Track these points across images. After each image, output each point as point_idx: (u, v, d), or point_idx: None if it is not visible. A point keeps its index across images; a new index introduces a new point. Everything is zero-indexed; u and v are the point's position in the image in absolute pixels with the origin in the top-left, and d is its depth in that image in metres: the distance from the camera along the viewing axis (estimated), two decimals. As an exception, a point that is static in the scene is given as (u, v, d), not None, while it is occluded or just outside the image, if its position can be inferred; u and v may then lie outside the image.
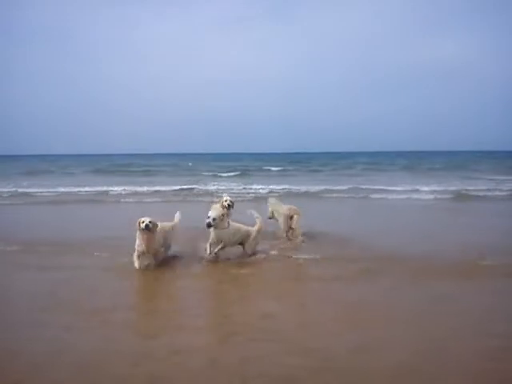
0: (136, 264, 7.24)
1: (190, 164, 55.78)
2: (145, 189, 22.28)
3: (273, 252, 8.50)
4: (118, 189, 21.99)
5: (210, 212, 7.55)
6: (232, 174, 36.95)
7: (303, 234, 9.85)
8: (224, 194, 11.22)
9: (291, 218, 10.09)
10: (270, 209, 10.67)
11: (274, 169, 44.73)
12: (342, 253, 8.38)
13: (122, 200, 18.54)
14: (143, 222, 7.09)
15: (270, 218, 10.51)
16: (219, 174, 35.91)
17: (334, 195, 19.78)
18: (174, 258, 8.09)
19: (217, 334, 5.08)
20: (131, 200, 18.37)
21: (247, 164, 54.87)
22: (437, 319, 5.30)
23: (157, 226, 7.28)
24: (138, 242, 7.25)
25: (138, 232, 7.25)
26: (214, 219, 7.44)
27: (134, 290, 6.78)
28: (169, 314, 5.66)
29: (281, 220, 10.25)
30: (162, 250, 7.82)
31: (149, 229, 7.05)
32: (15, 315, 5.49)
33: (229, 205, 10.07)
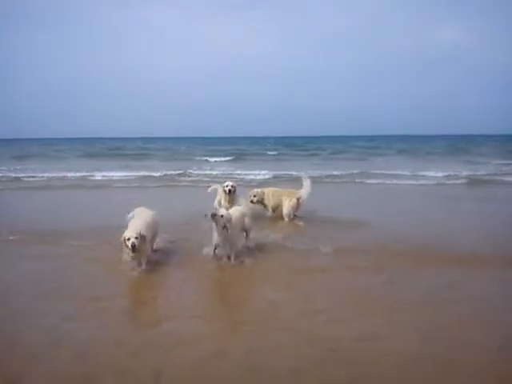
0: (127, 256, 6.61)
1: (183, 148, 55.57)
2: (140, 173, 22.14)
3: (279, 240, 8.46)
4: (110, 174, 21.97)
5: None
6: (227, 158, 36.77)
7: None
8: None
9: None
10: (255, 192, 10.79)
11: (270, 153, 44.64)
12: (346, 241, 8.35)
13: (116, 185, 18.33)
14: (129, 240, 6.30)
15: (253, 202, 10.57)
16: (212, 159, 35.50)
17: (336, 180, 19.82)
18: (172, 247, 7.94)
19: (221, 323, 5.07)
20: (124, 185, 18.17)
21: (243, 148, 54.68)
22: (443, 308, 5.35)
23: (145, 237, 6.54)
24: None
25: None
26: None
27: (133, 279, 6.52)
28: (169, 303, 5.66)
29: (281, 204, 10.65)
30: (152, 245, 7.29)
31: (135, 250, 6.33)
32: (13, 304, 5.44)
33: (230, 190, 10.18)
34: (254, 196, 10.76)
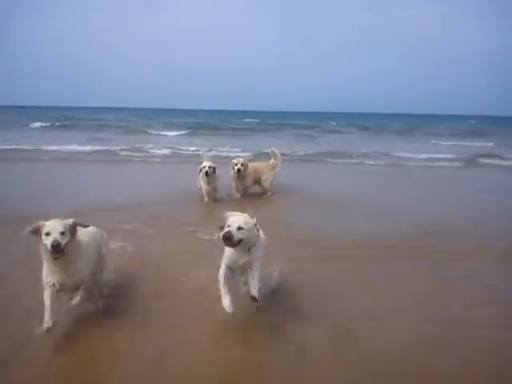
0: (46, 317, 4.05)
1: (135, 119, 53.16)
2: (87, 148, 20.67)
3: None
4: (55, 148, 20.13)
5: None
6: (185, 131, 35.75)
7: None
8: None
9: None
10: (241, 160, 10.22)
11: (229, 126, 43.91)
12: (329, 225, 8.34)
13: (71, 159, 17.41)
14: (48, 235, 4.00)
15: (239, 171, 10.08)
16: (169, 133, 33.80)
17: (303, 158, 19.73)
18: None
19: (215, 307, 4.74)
20: (73, 158, 17.40)
21: (200, 121, 53.23)
22: (437, 288, 5.60)
23: (76, 230, 4.23)
24: (45, 271, 4.21)
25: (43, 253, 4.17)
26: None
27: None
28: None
29: (268, 177, 10.67)
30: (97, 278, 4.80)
31: (60, 250, 3.99)
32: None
33: (207, 172, 9.40)
34: (242, 165, 10.05)
